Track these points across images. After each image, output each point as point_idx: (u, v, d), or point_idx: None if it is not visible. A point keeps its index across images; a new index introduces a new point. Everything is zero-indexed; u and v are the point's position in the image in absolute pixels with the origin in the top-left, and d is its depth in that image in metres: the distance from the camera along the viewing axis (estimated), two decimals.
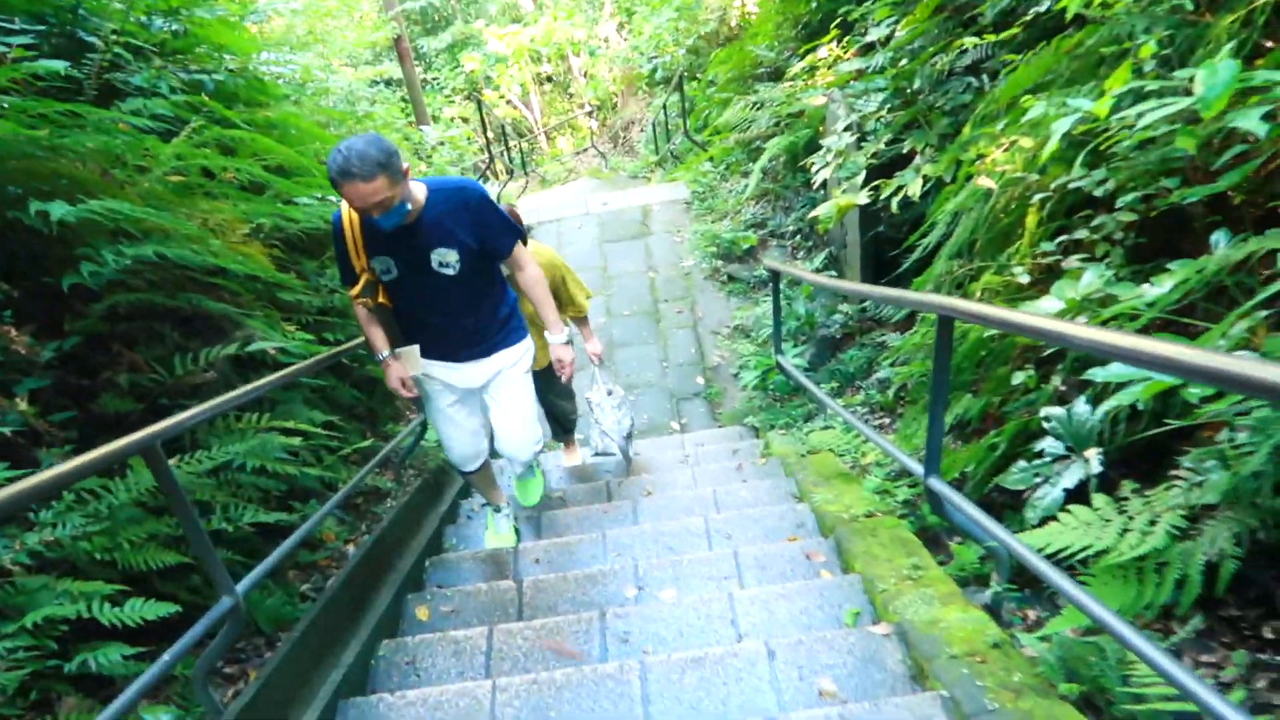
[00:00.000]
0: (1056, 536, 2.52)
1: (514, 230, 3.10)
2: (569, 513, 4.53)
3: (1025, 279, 3.16)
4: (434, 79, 20.84)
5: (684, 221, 8.75)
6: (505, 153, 13.68)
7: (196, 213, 3.46)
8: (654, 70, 13.37)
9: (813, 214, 5.07)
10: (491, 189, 11.59)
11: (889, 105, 5.36)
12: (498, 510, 4.17)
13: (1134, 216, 2.90)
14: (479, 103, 10.19)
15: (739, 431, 5.98)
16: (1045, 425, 3.02)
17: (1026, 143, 3.21)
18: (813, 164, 5.53)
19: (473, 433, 3.61)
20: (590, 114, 19.46)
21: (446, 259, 2.94)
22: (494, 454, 3.94)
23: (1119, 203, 2.93)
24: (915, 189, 4.59)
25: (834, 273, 6.40)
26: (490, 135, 10.48)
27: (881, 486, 3.99)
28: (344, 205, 2.96)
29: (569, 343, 3.47)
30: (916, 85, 5.15)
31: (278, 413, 3.63)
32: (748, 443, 5.61)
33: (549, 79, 20.97)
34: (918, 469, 2.72)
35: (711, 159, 9.46)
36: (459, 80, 19.70)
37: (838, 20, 6.42)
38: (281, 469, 3.40)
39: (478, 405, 3.58)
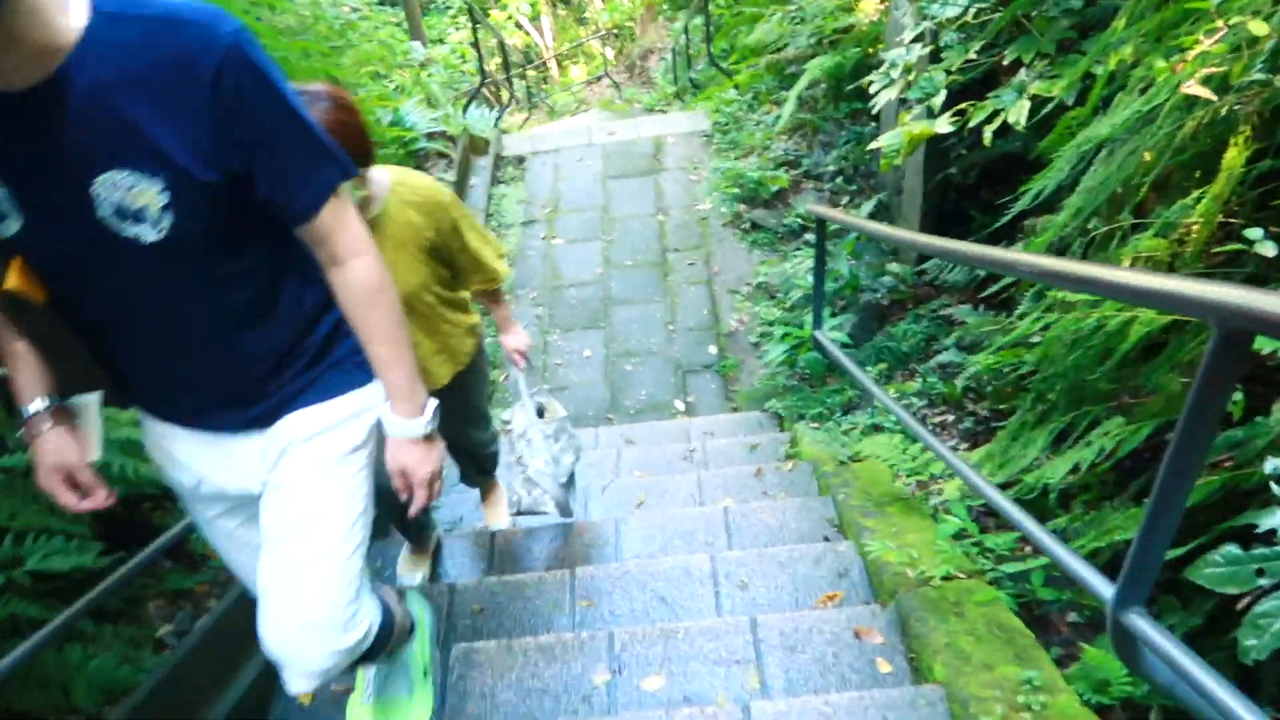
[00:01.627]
0: None
1: (323, 153, 1.38)
2: (525, 533, 3.41)
3: (1273, 250, 1.94)
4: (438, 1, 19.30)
5: (702, 157, 7.49)
6: (508, 79, 12.31)
7: None
8: None
9: (874, 144, 3.84)
10: (486, 117, 10.29)
11: (977, 5, 4.07)
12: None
13: None
14: (472, 14, 8.82)
15: (758, 419, 4.82)
16: (1275, 486, 1.86)
17: (1260, 27, 1.97)
18: (870, 84, 4.25)
19: None
20: (605, 40, 17.94)
21: (133, 202, 1.25)
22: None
23: None
24: (1020, 114, 3.35)
25: (903, 224, 5.17)
26: (483, 52, 9.13)
27: (966, 532, 2.84)
28: None
29: (429, 436, 1.63)
30: None
31: None
32: (769, 436, 4.45)
33: (564, 1, 19.41)
34: (1102, 588, 1.55)
35: (737, 86, 8.14)
36: None
37: None
38: None
39: None
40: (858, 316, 4.99)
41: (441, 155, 7.89)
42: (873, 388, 3.44)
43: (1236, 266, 2.36)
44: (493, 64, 12.32)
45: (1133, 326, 2.29)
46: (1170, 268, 2.46)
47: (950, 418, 4.12)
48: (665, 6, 14.01)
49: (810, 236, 5.50)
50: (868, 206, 5.08)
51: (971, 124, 3.54)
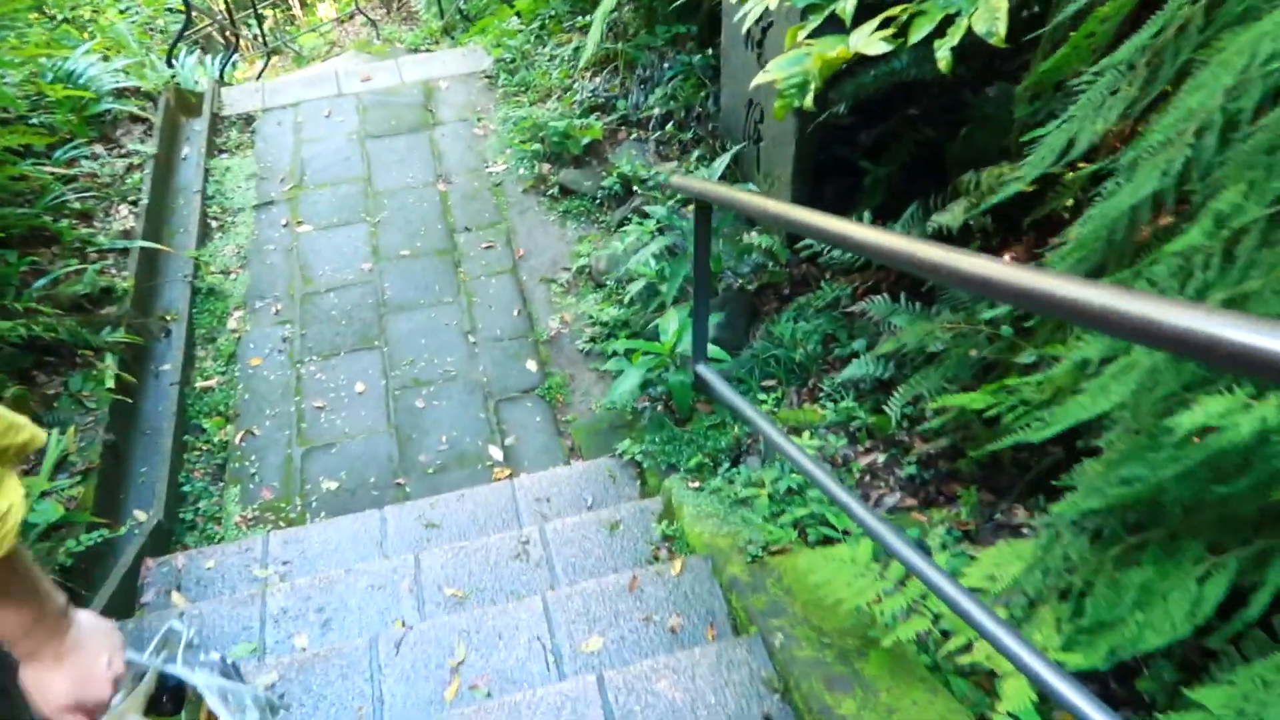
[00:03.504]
0: None
1: None
2: None
3: None
4: None
5: (486, 104, 5.93)
6: (229, 18, 10.04)
7: None
8: None
9: (760, 79, 2.53)
10: (210, 66, 8.18)
11: None
12: None
13: None
14: None
15: (608, 469, 3.49)
16: None
17: None
18: None
19: None
20: None
21: None
22: None
23: None
24: (993, 21, 2.15)
25: (751, 188, 3.89)
26: None
27: None
28: None
29: None
30: None
31: None
32: (630, 505, 3.14)
33: None
34: None
35: (519, 13, 6.59)
36: None
37: None
38: None
39: None
40: (724, 313, 3.74)
41: (137, 119, 5.89)
42: (789, 448, 2.17)
43: None
44: (227, 2, 9.99)
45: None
46: None
47: (879, 458, 2.97)
48: None
49: (646, 206, 4.16)
50: (722, 162, 3.80)
51: (913, 39, 2.31)
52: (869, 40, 2.30)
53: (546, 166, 5.15)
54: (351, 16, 14.83)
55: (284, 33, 15.34)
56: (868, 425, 3.05)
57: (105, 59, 6.17)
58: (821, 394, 3.29)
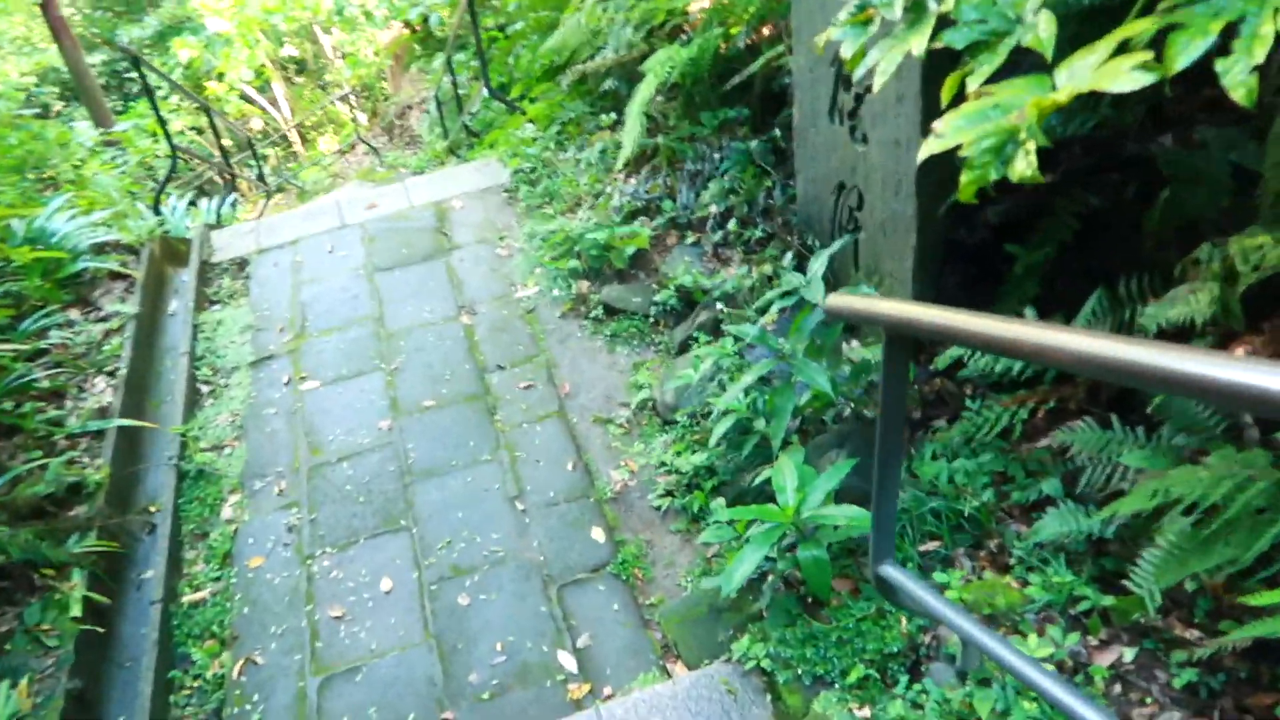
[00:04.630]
0: None
1: None
2: None
3: None
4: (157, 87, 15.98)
5: (508, 221, 5.25)
6: (225, 161, 9.63)
7: None
8: (424, 20, 9.64)
9: (929, 151, 1.74)
10: (208, 210, 7.68)
11: None
12: None
13: None
14: (137, 63, 6.22)
15: (720, 680, 2.60)
16: None
17: None
18: (829, 39, 2.19)
19: None
20: (352, 101, 15.35)
21: None
22: None
23: None
24: None
25: (869, 291, 3.09)
26: (167, 131, 6.58)
27: None
28: None
29: None
30: None
31: None
32: None
33: (298, 67, 16.64)
34: None
35: (533, 121, 5.99)
36: (178, 76, 15.04)
37: None
38: None
39: None
40: (842, 451, 2.90)
41: (118, 276, 5.24)
42: (1034, 676, 1.31)
43: None
44: (222, 146, 9.58)
45: None
46: None
47: (1124, 654, 2.09)
48: (417, 50, 11.72)
49: (727, 325, 3.37)
50: (821, 263, 3.02)
51: (1177, 64, 1.54)
52: (1112, 70, 1.53)
53: (586, 285, 4.41)
54: (353, 147, 14.59)
55: (286, 170, 15.08)
56: (1101, 608, 2.17)
57: (85, 213, 5.57)
58: (1012, 557, 2.41)
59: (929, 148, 1.79)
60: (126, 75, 14.71)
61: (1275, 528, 1.81)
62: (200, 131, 13.69)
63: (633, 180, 4.68)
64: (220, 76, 13.97)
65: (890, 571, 1.73)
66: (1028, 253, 2.76)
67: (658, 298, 4.11)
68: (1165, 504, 1.94)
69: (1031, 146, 1.62)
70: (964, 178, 1.75)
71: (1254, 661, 1.95)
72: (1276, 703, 1.89)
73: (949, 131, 1.76)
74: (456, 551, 3.34)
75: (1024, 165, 1.66)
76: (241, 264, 5.30)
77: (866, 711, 2.18)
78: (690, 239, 4.24)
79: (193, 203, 7.89)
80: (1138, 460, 2.08)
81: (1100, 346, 1.07)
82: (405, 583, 3.26)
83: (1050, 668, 1.99)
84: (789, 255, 3.61)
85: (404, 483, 3.65)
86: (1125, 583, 2.08)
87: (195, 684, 3.05)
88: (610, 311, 4.29)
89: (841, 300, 1.67)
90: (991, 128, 1.72)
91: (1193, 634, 2.06)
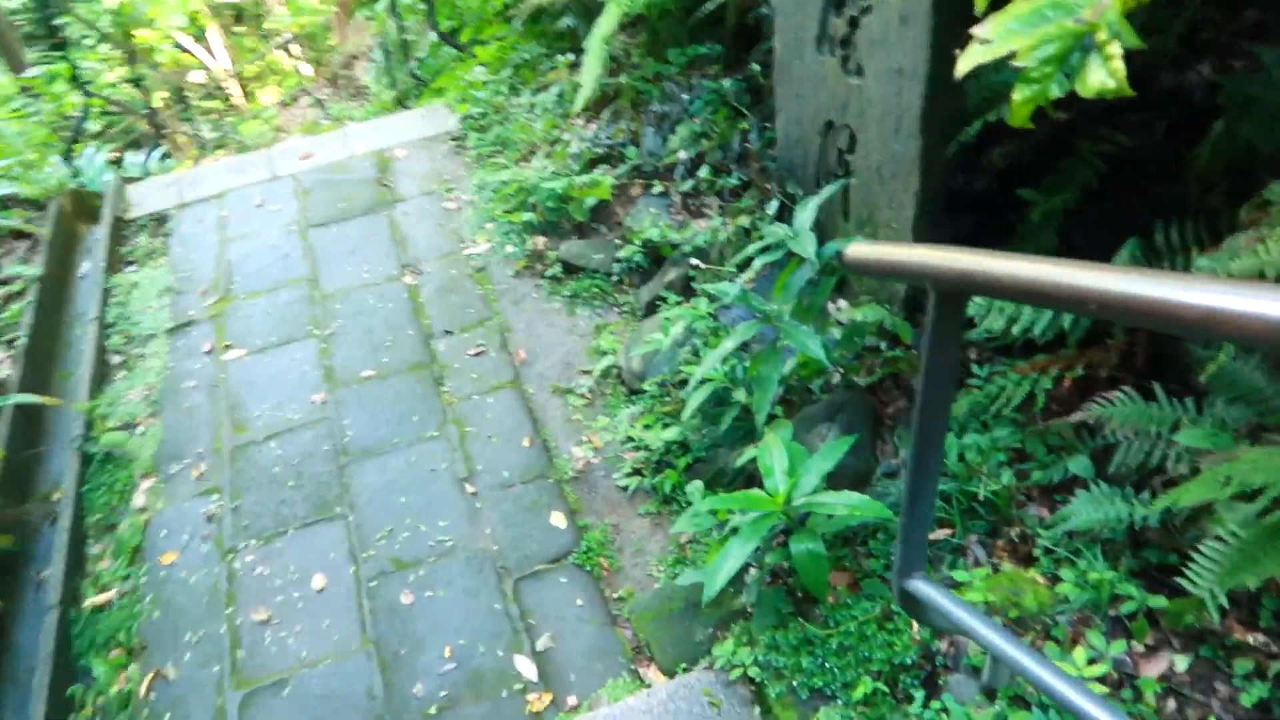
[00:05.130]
0: None
1: None
2: None
3: None
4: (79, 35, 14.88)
5: (456, 171, 4.79)
6: (150, 111, 8.97)
7: None
8: None
9: (969, 64, 1.37)
10: (136, 164, 7.09)
11: None
12: None
13: None
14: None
15: (702, 690, 2.27)
16: None
17: None
18: None
19: None
20: (294, 50, 14.55)
21: None
22: None
23: None
24: None
25: (867, 233, 2.72)
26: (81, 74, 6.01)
27: None
28: None
29: None
30: None
31: None
32: None
33: (235, 14, 15.72)
34: None
35: (484, 64, 5.51)
36: (104, 22, 14.09)
37: None
38: None
39: None
40: (835, 425, 2.57)
41: (21, 235, 4.72)
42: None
43: None
44: (155, 97, 8.90)
45: None
46: None
47: (1177, 662, 1.78)
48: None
49: (703, 283, 3.00)
50: (810, 211, 2.65)
51: None
52: None
53: (542, 240, 4.00)
54: (295, 99, 13.84)
55: (226, 124, 14.28)
56: (1144, 606, 1.86)
57: None
58: (1036, 548, 2.10)
59: (972, 57, 1.42)
60: (58, 25, 13.75)
61: None
62: (137, 83, 12.88)
63: (593, 125, 4.24)
64: (151, 23, 13.09)
65: (922, 587, 1.40)
66: (1045, 198, 2.41)
67: (621, 254, 3.72)
68: (1239, 494, 1.62)
69: (1115, 50, 1.25)
70: (1017, 95, 1.39)
71: None
72: None
73: (998, 35, 1.40)
74: (399, 542, 2.96)
75: (1102, 75, 1.29)
76: (161, 220, 4.79)
77: None
78: (657, 189, 3.83)
79: (118, 160, 7.28)
80: (1195, 439, 1.77)
81: None
82: (340, 579, 2.88)
83: (1100, 689, 1.68)
84: (770, 206, 3.23)
85: (339, 464, 3.25)
86: (1178, 580, 1.77)
87: (98, 701, 2.66)
88: (569, 269, 3.89)
89: (867, 249, 1.31)
90: (1055, 29, 1.36)
91: (1257, 639, 1.76)
